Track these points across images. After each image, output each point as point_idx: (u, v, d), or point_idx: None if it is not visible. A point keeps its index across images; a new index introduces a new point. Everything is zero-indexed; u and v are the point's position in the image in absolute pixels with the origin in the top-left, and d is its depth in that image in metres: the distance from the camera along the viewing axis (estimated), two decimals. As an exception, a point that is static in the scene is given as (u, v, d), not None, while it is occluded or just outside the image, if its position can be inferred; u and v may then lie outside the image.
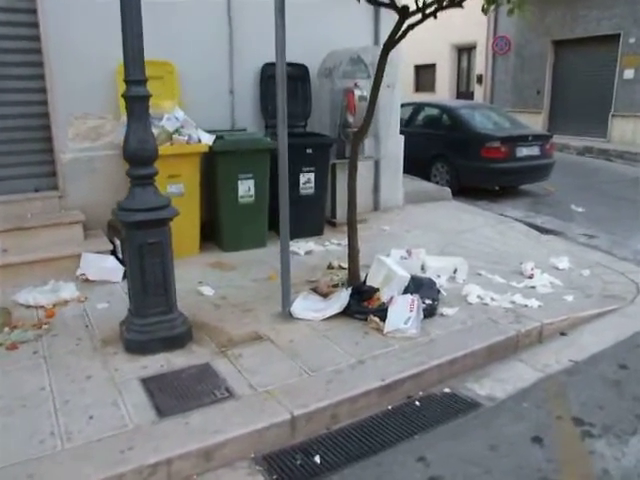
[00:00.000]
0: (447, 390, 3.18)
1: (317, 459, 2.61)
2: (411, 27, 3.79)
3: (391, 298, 3.75)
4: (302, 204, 5.55)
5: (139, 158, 3.12)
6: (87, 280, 4.33)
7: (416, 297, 3.69)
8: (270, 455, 2.64)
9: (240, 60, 5.60)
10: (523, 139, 8.20)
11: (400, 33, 3.80)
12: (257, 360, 3.23)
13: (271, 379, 3.02)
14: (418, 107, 9.43)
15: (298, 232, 5.54)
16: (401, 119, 9.29)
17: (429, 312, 3.78)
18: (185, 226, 4.92)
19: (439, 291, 4.09)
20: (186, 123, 4.79)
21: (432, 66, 18.36)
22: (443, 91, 17.86)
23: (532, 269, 4.80)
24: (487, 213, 7.00)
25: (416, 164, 8.65)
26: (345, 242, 5.40)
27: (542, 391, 3.17)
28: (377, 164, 6.71)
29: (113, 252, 4.60)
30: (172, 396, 2.88)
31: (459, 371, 3.32)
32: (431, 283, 4.07)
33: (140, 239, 3.17)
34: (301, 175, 5.49)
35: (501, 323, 3.74)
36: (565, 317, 3.94)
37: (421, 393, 3.15)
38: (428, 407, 3.03)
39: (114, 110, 4.97)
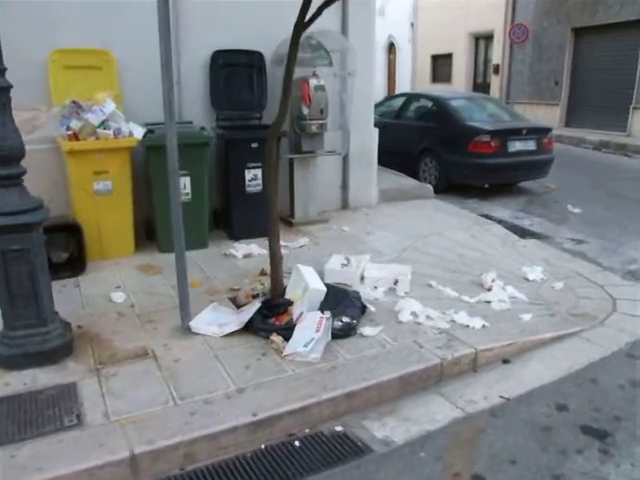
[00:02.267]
0: (339, 429, 2.77)
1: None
2: (327, 4, 3.34)
3: (300, 315, 3.36)
4: (249, 202, 5.20)
5: (-4, 157, 2.81)
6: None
7: (326, 315, 3.29)
8: (103, 499, 2.32)
9: (187, 48, 5.25)
10: (516, 132, 7.58)
11: (316, 11, 3.35)
12: (128, 382, 2.90)
13: (131, 406, 2.69)
14: (409, 98, 8.89)
15: (246, 232, 5.22)
16: (392, 111, 8.92)
17: (345, 332, 3.37)
18: (115, 225, 4.65)
19: (364, 307, 3.67)
20: (114, 116, 4.47)
21: (449, 56, 17.63)
22: (459, 82, 17.12)
23: (493, 280, 4.33)
24: (465, 213, 6.48)
25: (405, 159, 8.19)
26: (297, 244, 5.11)
27: (451, 436, 2.72)
28: (345, 159, 6.28)
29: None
30: (16, 421, 2.59)
31: (360, 406, 2.90)
32: (355, 298, 3.65)
33: (3, 245, 2.87)
34: (246, 171, 5.12)
35: (426, 348, 3.29)
36: (510, 342, 3.46)
37: (307, 430, 2.75)
38: (308, 449, 2.63)
39: (47, 101, 4.70)
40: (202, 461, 2.53)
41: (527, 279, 4.52)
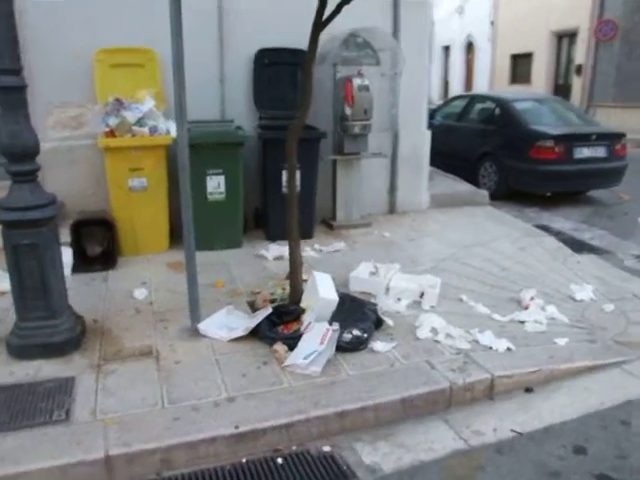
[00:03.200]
0: (326, 449, 2.60)
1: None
2: (346, 1, 3.18)
3: (308, 324, 3.23)
4: (286, 204, 5.08)
5: (10, 154, 2.89)
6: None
7: (333, 327, 3.13)
8: (75, 498, 2.31)
9: (231, 46, 5.25)
10: (584, 138, 6.99)
11: (334, 9, 3.19)
12: (125, 380, 2.89)
13: (120, 406, 2.68)
14: (472, 99, 8.46)
15: (282, 234, 5.09)
16: (455, 113, 8.54)
17: (354, 346, 3.19)
18: (149, 222, 4.72)
19: (380, 320, 3.46)
20: (152, 114, 4.54)
21: (529, 55, 16.69)
22: (539, 83, 16.18)
23: (531, 298, 3.99)
24: (519, 223, 6.05)
25: (465, 163, 7.82)
26: (332, 249, 4.97)
27: (445, 471, 2.49)
28: (394, 162, 6.05)
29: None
30: (10, 411, 2.64)
31: (355, 426, 2.72)
32: (370, 310, 3.46)
33: (14, 239, 2.95)
34: (283, 172, 5.02)
35: (438, 369, 3.04)
36: (535, 369, 3.14)
37: (294, 447, 2.61)
38: (290, 468, 2.48)
39: (93, 98, 4.86)
40: (179, 468, 2.47)
41: (574, 299, 4.14)
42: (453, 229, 5.70)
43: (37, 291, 3.03)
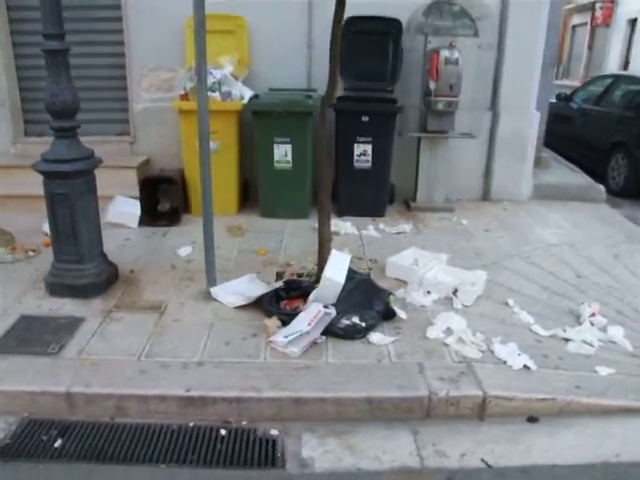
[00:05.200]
0: (274, 432, 2.52)
1: (58, 443, 2.43)
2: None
3: (307, 303, 3.13)
4: (356, 178, 4.94)
5: (51, 111, 3.18)
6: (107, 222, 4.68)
7: (326, 310, 2.98)
8: (38, 421, 2.56)
9: (321, 12, 5.10)
10: None
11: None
12: (123, 329, 3.10)
13: (105, 350, 2.89)
14: (616, 80, 7.24)
15: (351, 209, 5.05)
16: (593, 95, 7.45)
17: (349, 333, 3.02)
18: (219, 185, 4.84)
19: (391, 311, 3.21)
20: (227, 79, 4.66)
21: None
22: None
23: (592, 314, 3.40)
24: (630, 227, 5.11)
25: (594, 153, 6.84)
26: (396, 230, 4.73)
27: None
28: (491, 145, 5.48)
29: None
30: (19, 338, 3.00)
31: (313, 416, 2.59)
32: (380, 299, 3.21)
33: (51, 189, 3.27)
34: (355, 146, 4.84)
35: (427, 375, 2.74)
36: (546, 397, 2.66)
37: (244, 423, 2.58)
38: (229, 442, 2.46)
39: (184, 63, 5.13)
40: (131, 417, 2.59)
41: None
42: (544, 224, 5.03)
43: (69, 237, 3.35)
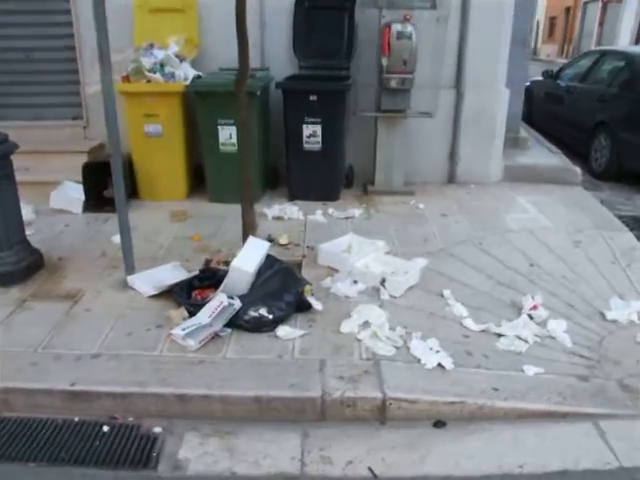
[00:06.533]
0: (156, 430, 2.42)
1: None
2: None
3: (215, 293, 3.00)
4: (307, 161, 4.77)
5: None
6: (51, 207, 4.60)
7: (229, 301, 2.85)
8: None
9: (274, -13, 4.92)
10: None
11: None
12: (31, 319, 3.03)
13: (7, 341, 2.81)
14: (602, 56, 6.86)
15: (302, 193, 4.88)
16: (579, 73, 7.11)
17: (254, 326, 2.89)
18: (166, 169, 4.79)
19: (305, 303, 3.06)
20: (170, 60, 4.50)
21: None
22: None
23: (533, 307, 3.22)
24: (601, 212, 4.86)
25: (578, 133, 6.55)
26: (345, 215, 4.57)
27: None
28: (456, 125, 5.24)
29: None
30: None
31: (200, 414, 2.48)
32: (293, 289, 3.07)
33: (-38, 173, 3.19)
34: (304, 127, 4.65)
35: (326, 373, 2.59)
36: (455, 400, 2.49)
37: (131, 419, 2.49)
38: (108, 439, 2.37)
39: (132, 45, 4.97)
40: (18, 412, 2.52)
41: (604, 317, 3.23)
42: (508, 209, 4.81)
43: (-18, 224, 3.27)
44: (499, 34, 5.02)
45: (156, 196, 4.82)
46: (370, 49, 4.85)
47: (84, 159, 5.01)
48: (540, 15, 30.84)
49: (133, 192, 4.84)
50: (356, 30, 4.87)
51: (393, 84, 4.60)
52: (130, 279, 3.33)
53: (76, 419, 2.48)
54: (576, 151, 6.70)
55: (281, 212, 4.48)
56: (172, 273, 3.44)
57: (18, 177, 4.61)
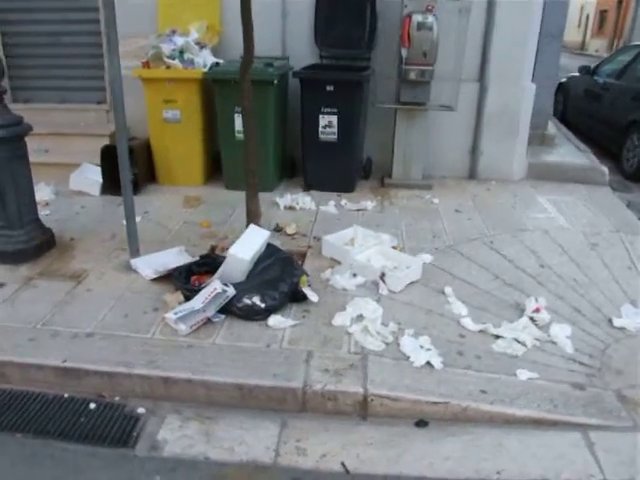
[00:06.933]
0: (140, 411, 2.48)
1: None
2: None
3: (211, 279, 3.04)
4: (322, 151, 4.74)
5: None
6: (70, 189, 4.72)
7: (223, 288, 2.88)
8: None
9: (296, -23, 4.88)
10: None
11: None
12: (36, 296, 3.13)
13: (10, 317, 2.92)
14: (639, 52, 6.53)
15: (318, 183, 4.88)
16: (615, 69, 6.83)
17: (246, 313, 2.90)
18: (183, 154, 4.85)
19: (300, 294, 3.06)
20: (189, 47, 4.53)
21: None
22: None
23: (536, 310, 3.12)
24: (624, 214, 4.64)
25: (611, 132, 6.30)
26: (357, 207, 4.54)
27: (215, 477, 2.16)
28: (479, 119, 5.11)
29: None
30: None
31: (184, 397, 2.52)
32: (289, 279, 3.06)
33: (-26, 153, 3.30)
34: (321, 117, 4.62)
35: (311, 365, 2.58)
36: (440, 400, 2.44)
37: (117, 398, 2.55)
38: (93, 416, 2.44)
39: (156, 31, 5.03)
40: (13, 384, 2.61)
41: (612, 324, 3.11)
42: (526, 207, 4.67)
43: (-4, 204, 3.39)
44: (527, 27, 4.85)
45: (173, 181, 4.89)
46: (391, 40, 4.78)
47: (106, 142, 5.12)
48: (590, 9, 29.72)
49: (152, 177, 4.94)
50: (377, 20, 4.79)
51: (412, 76, 4.52)
52: (133, 262, 3.40)
53: (66, 395, 2.56)
54: (608, 150, 6.45)
55: (293, 202, 4.47)
56: (176, 258, 3.49)
57: (40, 158, 4.80)
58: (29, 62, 5.48)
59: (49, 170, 4.92)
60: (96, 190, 4.66)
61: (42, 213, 4.19)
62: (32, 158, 5.00)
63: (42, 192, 4.54)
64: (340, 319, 2.93)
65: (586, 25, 31.17)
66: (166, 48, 4.48)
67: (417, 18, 4.35)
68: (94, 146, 5.03)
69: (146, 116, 5.14)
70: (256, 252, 3.11)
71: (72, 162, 4.90)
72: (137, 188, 4.72)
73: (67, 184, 4.71)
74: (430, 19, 4.35)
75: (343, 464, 2.22)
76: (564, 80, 8.34)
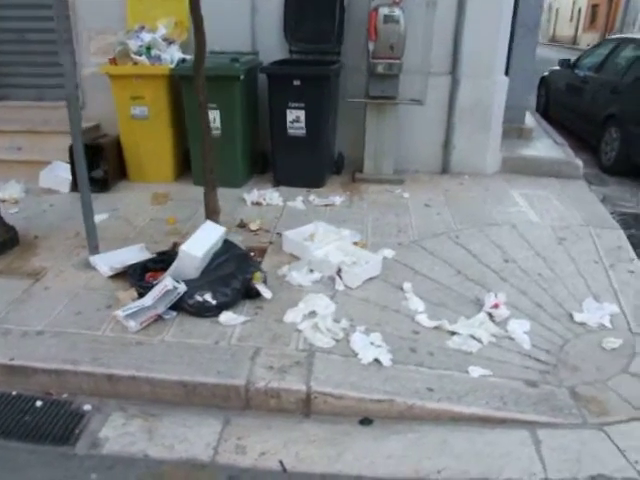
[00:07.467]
0: (86, 407, 2.48)
1: None
2: None
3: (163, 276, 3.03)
4: (291, 147, 4.72)
5: None
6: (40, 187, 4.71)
7: (173, 285, 2.87)
8: None
9: (264, -29, 4.86)
10: None
11: None
12: (-11, 294, 3.12)
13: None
14: (618, 45, 6.49)
15: (287, 179, 4.86)
16: (597, 62, 6.79)
17: (197, 310, 2.90)
18: (152, 151, 4.83)
19: (253, 291, 3.05)
20: (156, 43, 4.51)
21: None
22: None
23: (495, 305, 3.11)
24: (596, 208, 4.63)
25: (589, 126, 6.29)
26: (325, 202, 4.53)
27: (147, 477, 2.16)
28: (451, 113, 5.08)
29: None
30: None
31: (130, 394, 2.52)
32: (242, 276, 3.05)
33: None
34: (288, 112, 4.59)
35: (257, 362, 2.57)
36: (385, 398, 2.43)
37: (65, 396, 2.55)
38: (38, 414, 2.44)
39: (124, 27, 5.01)
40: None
41: (572, 319, 3.10)
42: (497, 201, 4.65)
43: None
44: (498, 20, 4.82)
45: (144, 178, 4.88)
46: (360, 33, 4.75)
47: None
48: (582, 3, 29.60)
49: (123, 173, 4.93)
50: (346, 13, 4.77)
51: (380, 69, 4.50)
52: (92, 259, 3.39)
53: (14, 393, 2.57)
54: (589, 144, 6.44)
55: (260, 197, 4.47)
56: (136, 255, 3.48)
57: (12, 156, 4.80)
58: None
59: (20, 168, 4.92)
60: (66, 187, 4.65)
61: (10, 211, 4.23)
62: (4, 156, 5.09)
63: (12, 190, 4.55)
64: (291, 316, 2.92)
65: (578, 19, 31.04)
66: (133, 44, 4.46)
67: (384, 11, 4.33)
68: (66, 144, 4.99)
69: (114, 113, 5.16)
70: (210, 248, 3.10)
71: (44, 160, 4.89)
72: (107, 185, 4.73)
73: (38, 182, 4.70)
74: (397, 12, 4.33)
75: (281, 462, 2.22)
76: (546, 74, 8.31)
